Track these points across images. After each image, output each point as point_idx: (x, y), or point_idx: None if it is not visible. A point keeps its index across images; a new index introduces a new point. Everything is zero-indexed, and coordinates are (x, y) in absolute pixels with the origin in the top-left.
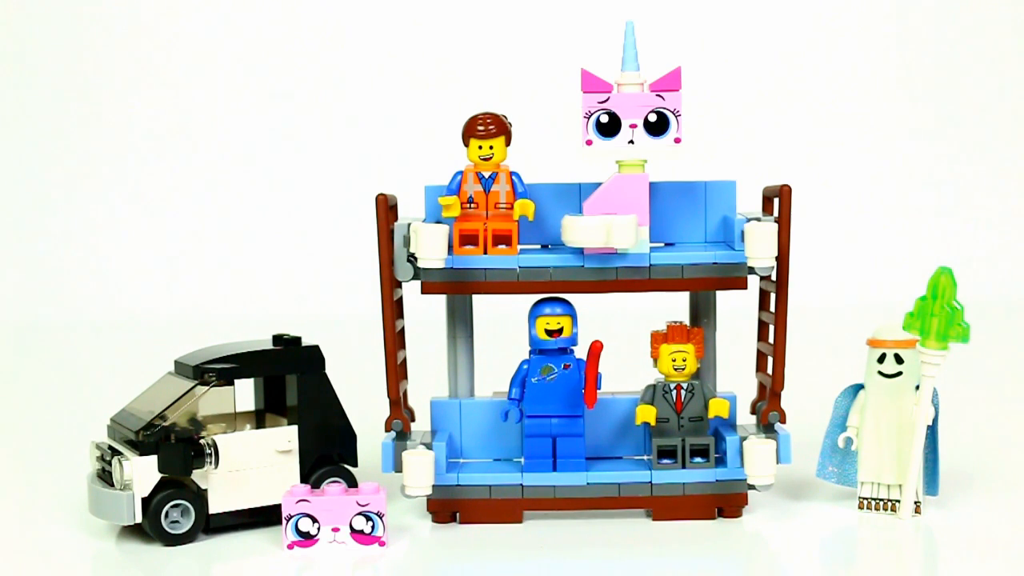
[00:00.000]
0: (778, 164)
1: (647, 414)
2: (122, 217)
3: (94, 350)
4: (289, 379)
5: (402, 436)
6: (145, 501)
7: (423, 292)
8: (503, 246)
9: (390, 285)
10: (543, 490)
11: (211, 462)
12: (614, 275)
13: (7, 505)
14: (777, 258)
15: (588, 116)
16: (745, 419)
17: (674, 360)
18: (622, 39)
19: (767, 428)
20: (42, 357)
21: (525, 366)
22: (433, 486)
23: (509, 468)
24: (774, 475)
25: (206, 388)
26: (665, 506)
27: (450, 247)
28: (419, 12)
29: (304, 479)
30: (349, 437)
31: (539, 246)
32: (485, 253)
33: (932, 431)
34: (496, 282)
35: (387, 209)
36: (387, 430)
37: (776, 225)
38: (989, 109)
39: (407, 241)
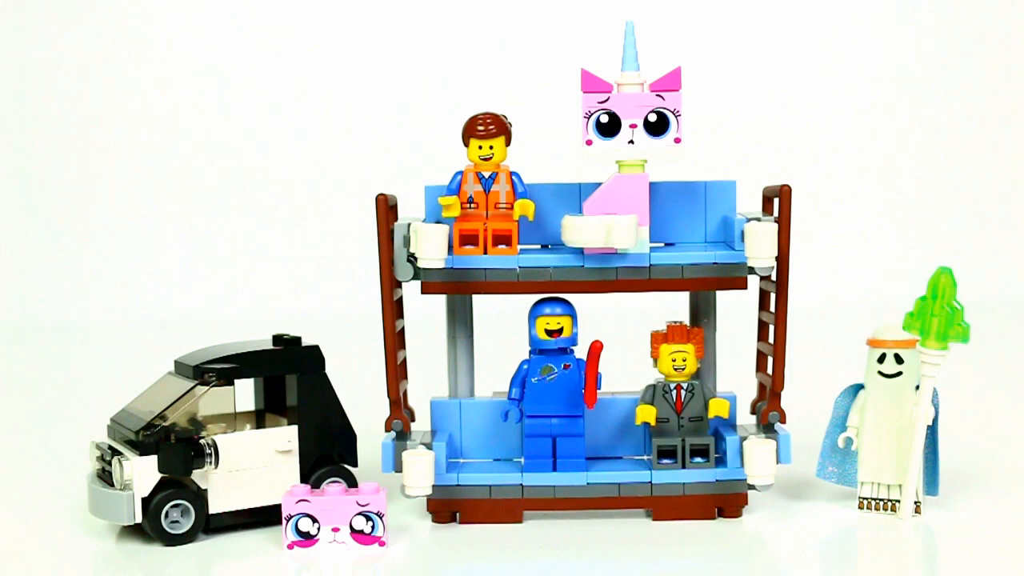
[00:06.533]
0: (778, 164)
1: (647, 414)
2: (122, 217)
3: (94, 350)
4: (289, 379)
5: (402, 436)
6: (145, 501)
7: (423, 292)
8: (503, 246)
9: (390, 285)
10: (543, 490)
11: (211, 462)
12: (614, 275)
13: (7, 505)
14: (777, 258)
15: (588, 116)
16: (745, 419)
17: (674, 360)
18: (622, 39)
19: (767, 428)
20: (42, 357)
21: (525, 366)
22: (433, 486)
23: (509, 468)
24: (774, 475)
25: (206, 388)
26: (665, 506)
27: (450, 247)
28: (419, 11)
29: (304, 479)
30: (349, 437)
31: (539, 246)
32: (485, 253)
33: (932, 431)
34: (496, 282)
35: (387, 209)
36: (387, 430)
37: (776, 225)
38: (989, 109)
39: (407, 241)
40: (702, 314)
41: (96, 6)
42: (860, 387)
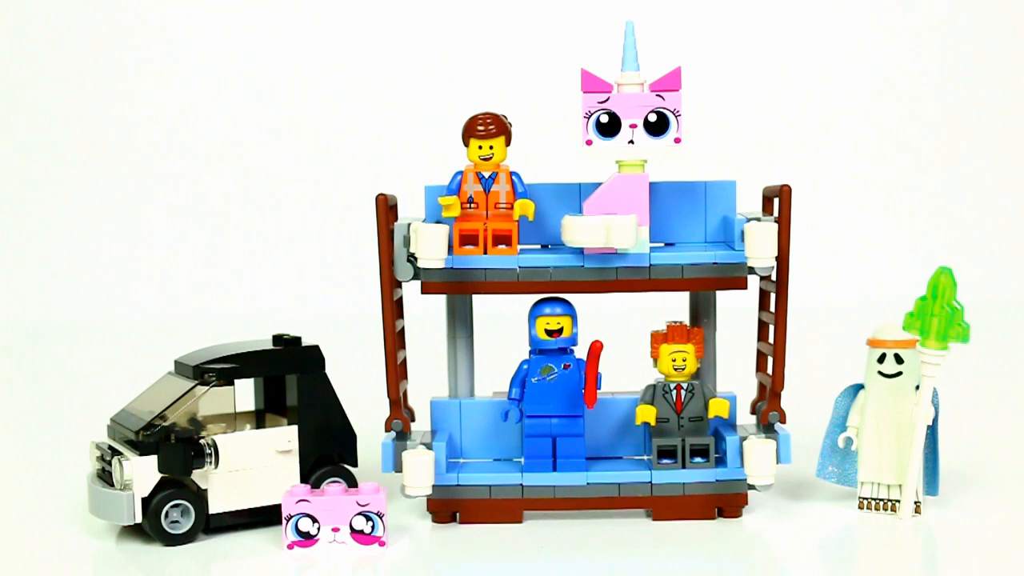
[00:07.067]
0: (778, 164)
1: (647, 414)
2: (122, 217)
3: (94, 350)
4: (289, 379)
5: (402, 436)
6: (145, 501)
7: (423, 292)
8: (503, 246)
9: (390, 285)
10: (543, 490)
11: (211, 462)
12: (614, 275)
13: (7, 505)
14: (777, 258)
15: (588, 116)
16: (745, 419)
17: (674, 360)
18: (622, 39)
19: (767, 428)
20: (42, 357)
21: (525, 366)
22: (433, 486)
23: (509, 468)
24: (774, 475)
25: (206, 388)
26: (665, 506)
27: (450, 247)
28: (419, 11)
29: (304, 479)
30: (349, 437)
31: (539, 246)
32: (485, 253)
33: (932, 431)
34: (496, 282)
35: (387, 209)
36: (387, 430)
37: (776, 225)
38: (989, 108)
39: (407, 241)
40: (702, 314)
41: (94, 6)
42: (860, 387)
